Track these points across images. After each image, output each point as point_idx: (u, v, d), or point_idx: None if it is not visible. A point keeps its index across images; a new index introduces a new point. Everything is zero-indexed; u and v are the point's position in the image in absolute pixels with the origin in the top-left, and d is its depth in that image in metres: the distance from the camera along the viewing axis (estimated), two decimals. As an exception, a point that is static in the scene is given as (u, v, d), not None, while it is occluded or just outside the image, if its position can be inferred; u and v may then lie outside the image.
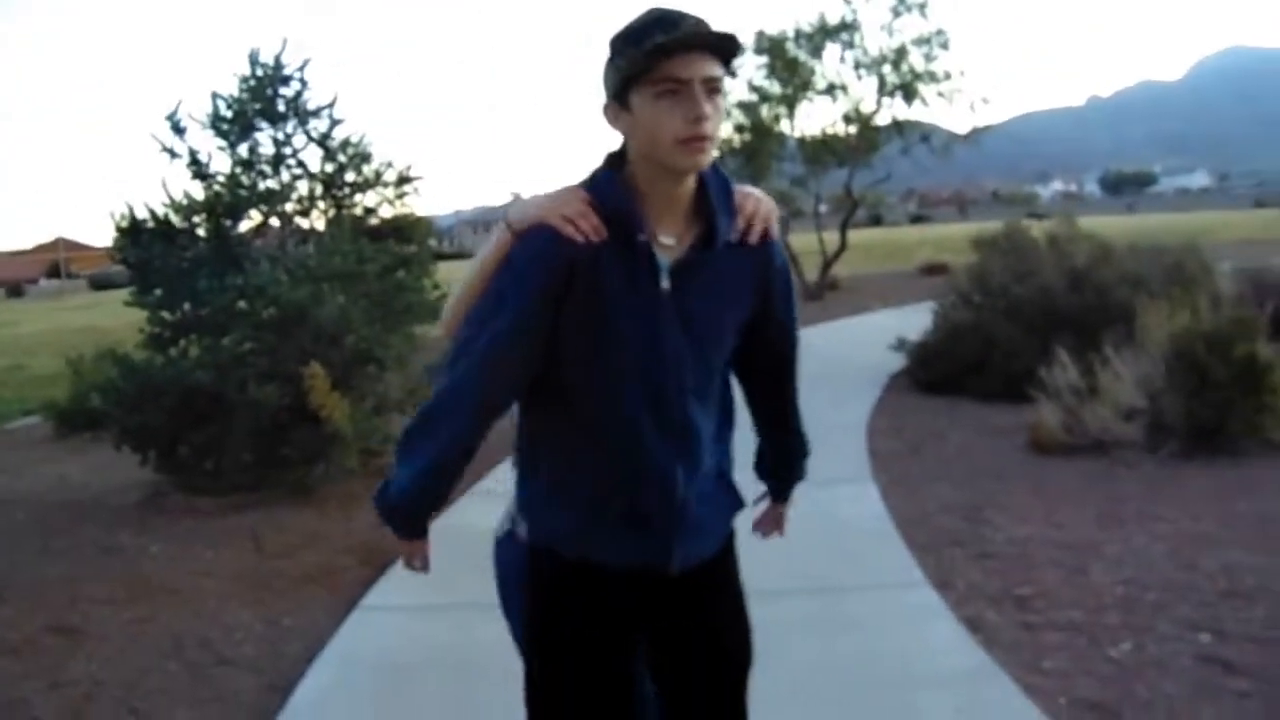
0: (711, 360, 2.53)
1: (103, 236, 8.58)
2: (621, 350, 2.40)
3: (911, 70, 24.28)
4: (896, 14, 24.27)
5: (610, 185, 2.40)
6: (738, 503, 2.70)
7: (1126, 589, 5.44)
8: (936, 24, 24.12)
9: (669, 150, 2.30)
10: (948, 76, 24.28)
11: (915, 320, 13.33)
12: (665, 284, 2.40)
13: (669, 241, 2.42)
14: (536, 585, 2.61)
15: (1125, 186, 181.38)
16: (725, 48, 2.33)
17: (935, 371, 11.73)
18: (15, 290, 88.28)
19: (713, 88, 2.30)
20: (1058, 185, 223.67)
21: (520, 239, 2.40)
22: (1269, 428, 8.03)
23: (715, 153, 2.40)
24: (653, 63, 2.26)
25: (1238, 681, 4.36)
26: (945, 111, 40.00)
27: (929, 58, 24.26)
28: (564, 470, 2.52)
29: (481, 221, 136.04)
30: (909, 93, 24.43)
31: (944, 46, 24.09)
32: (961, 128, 27.48)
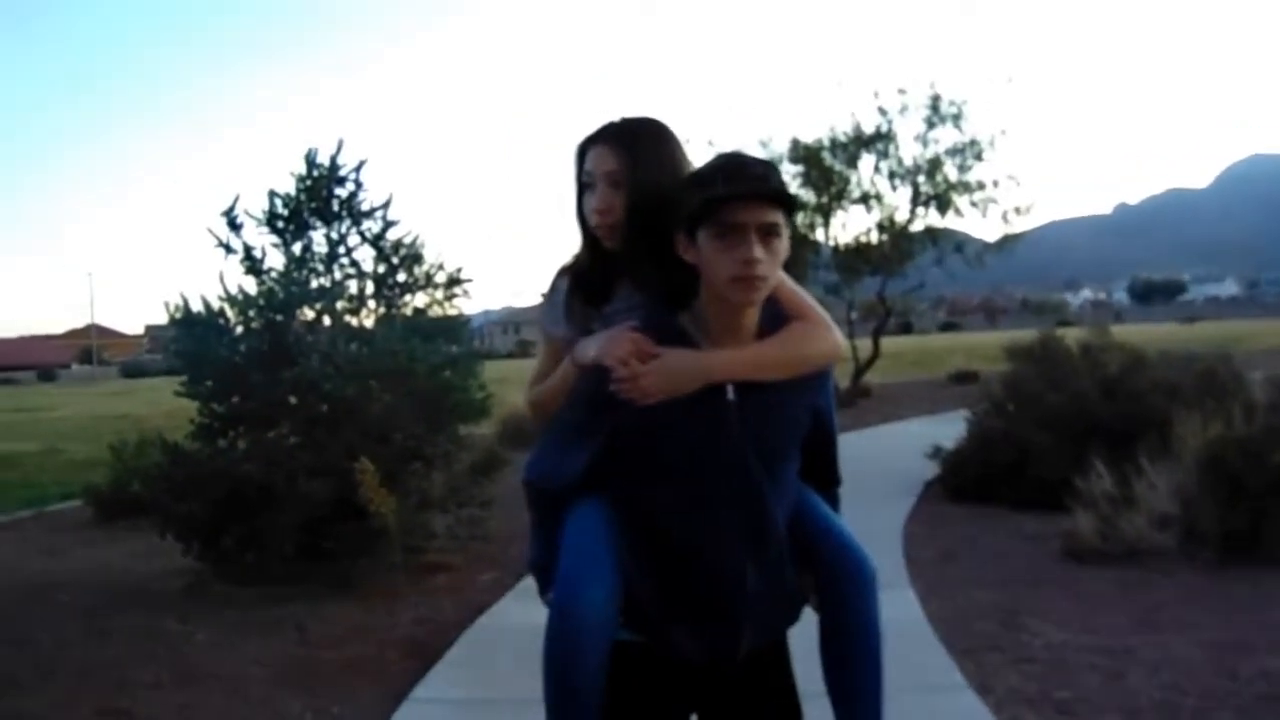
0: (778, 463, 2.73)
1: (134, 324, 8.75)
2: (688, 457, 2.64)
3: (946, 180, 24.57)
4: (931, 125, 24.59)
5: (664, 323, 2.68)
6: (801, 595, 2.87)
7: (1165, 694, 5.50)
8: (970, 135, 24.43)
9: (724, 286, 2.54)
10: (981, 186, 24.56)
11: (947, 428, 13.41)
12: (731, 395, 2.63)
13: None
14: None
15: (1155, 294, 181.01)
16: (784, 199, 2.57)
17: (969, 479, 11.77)
18: (47, 374, 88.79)
19: (769, 233, 2.53)
20: (1087, 293, 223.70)
21: (581, 373, 2.74)
22: (1306, 538, 8.07)
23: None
24: (713, 207, 2.51)
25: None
26: (978, 220, 40.40)
27: (963, 168, 24.55)
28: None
29: (511, 322, 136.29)
30: (943, 203, 24.70)
31: (978, 157, 24.39)
32: (992, 236, 27.70)
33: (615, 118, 2.88)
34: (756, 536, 2.68)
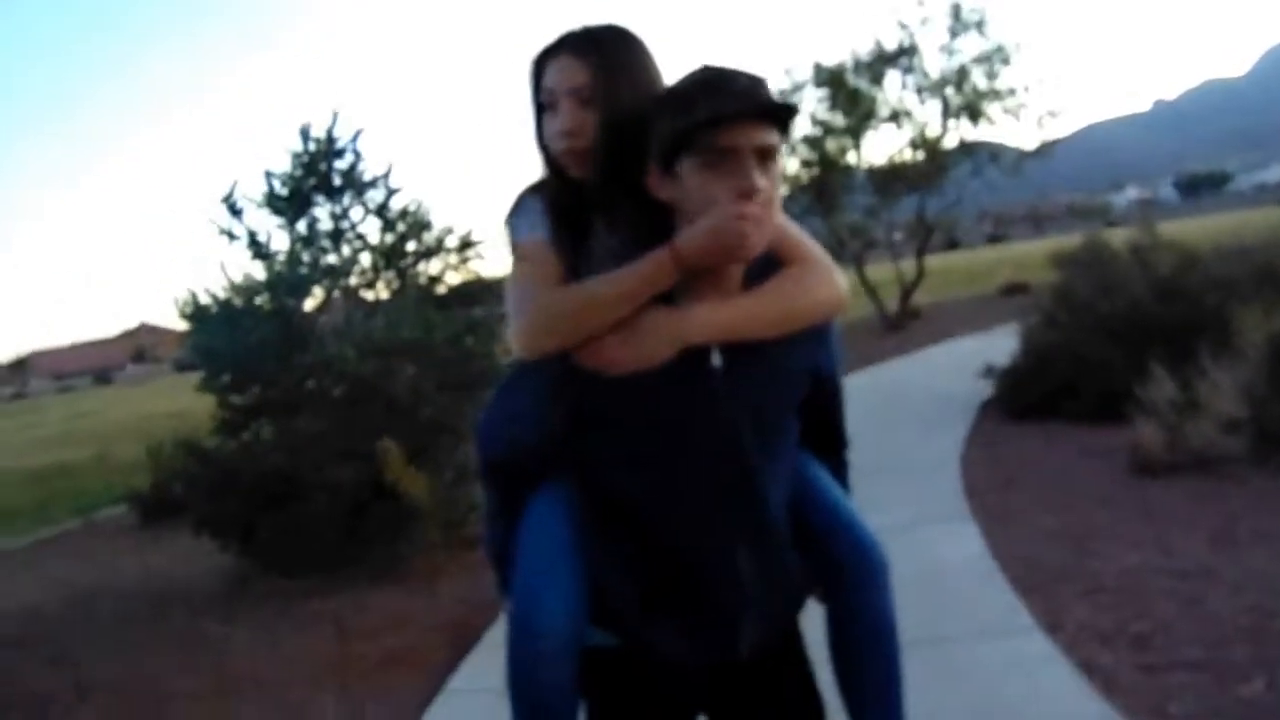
0: (773, 435, 2.32)
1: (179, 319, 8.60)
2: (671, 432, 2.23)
3: (975, 89, 24.00)
4: (954, 34, 24.02)
5: None
6: (807, 582, 2.50)
7: (1251, 618, 5.11)
8: (996, 41, 23.85)
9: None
10: (1012, 93, 23.98)
11: (1001, 344, 12.99)
12: (716, 361, 2.20)
13: None
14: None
15: (1201, 187, 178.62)
16: (781, 115, 2.15)
17: (1026, 396, 11.37)
18: (103, 377, 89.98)
19: (766, 156, 2.12)
20: (1132, 193, 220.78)
21: None
22: (1383, 430, 7.66)
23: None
24: (701, 129, 2.08)
25: (1385, 715, 4.06)
26: (1013, 129, 39.74)
27: (991, 75, 23.96)
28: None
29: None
30: (974, 113, 24.14)
31: (1005, 62, 23.80)
32: (1029, 144, 27.10)
33: (575, 26, 2.40)
34: (750, 525, 2.30)
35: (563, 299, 2.20)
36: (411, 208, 9.12)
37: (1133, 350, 9.98)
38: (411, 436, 8.21)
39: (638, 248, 2.18)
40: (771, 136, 2.11)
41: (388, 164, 9.19)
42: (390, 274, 9.10)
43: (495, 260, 9.20)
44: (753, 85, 2.12)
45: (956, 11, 23.86)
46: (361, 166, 9.03)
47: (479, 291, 9.40)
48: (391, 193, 9.06)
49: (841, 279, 2.38)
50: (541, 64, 2.38)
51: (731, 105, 2.07)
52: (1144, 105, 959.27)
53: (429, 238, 9.14)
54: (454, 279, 9.31)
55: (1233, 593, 5.46)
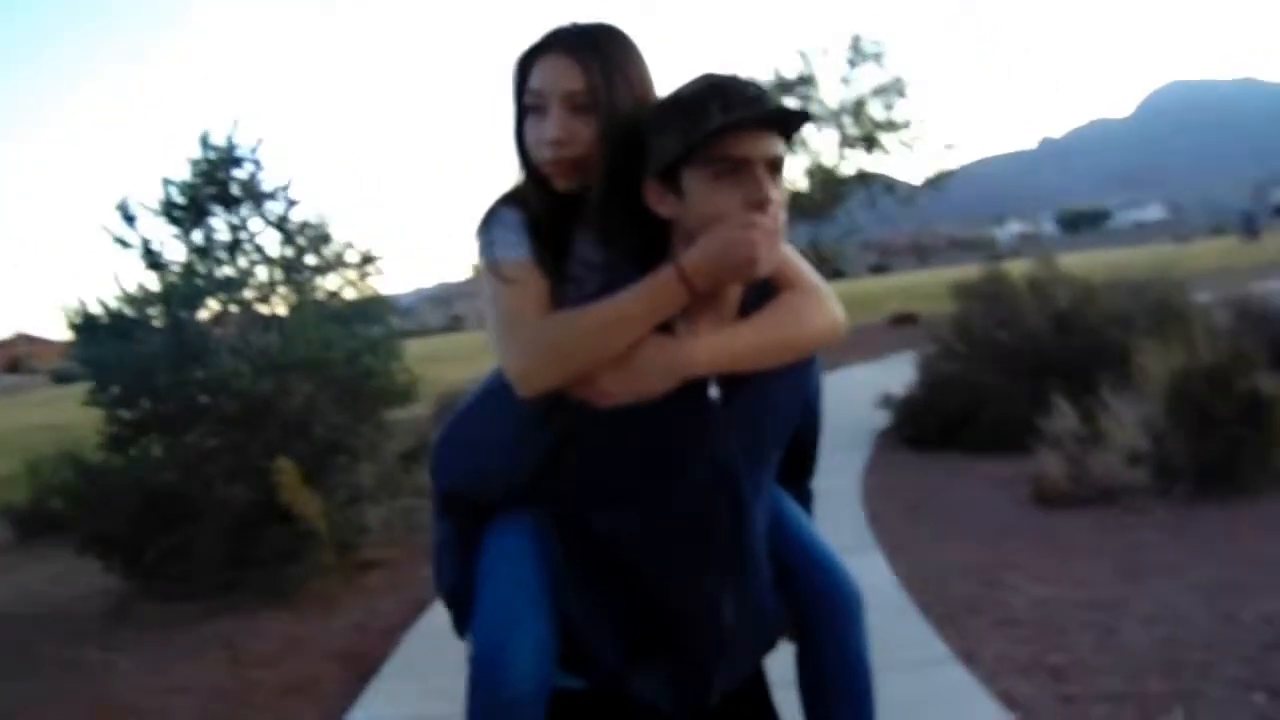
0: (763, 470, 2.25)
1: (63, 330, 8.34)
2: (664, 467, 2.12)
3: (871, 120, 24.34)
4: (853, 65, 24.36)
5: None
6: (781, 622, 2.41)
7: (1166, 649, 5.13)
8: (893, 73, 24.24)
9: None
10: (907, 125, 24.36)
11: (894, 373, 13.11)
12: (714, 393, 2.11)
13: None
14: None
15: (1082, 223, 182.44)
16: (791, 124, 2.06)
17: (924, 426, 11.49)
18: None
19: (775, 167, 2.03)
20: (1015, 227, 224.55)
21: None
22: (1278, 462, 7.82)
23: None
24: (710, 140, 1.97)
25: (1305, 748, 4.09)
26: (905, 160, 40.32)
27: (888, 107, 24.33)
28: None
29: (443, 298, 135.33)
30: (871, 143, 24.48)
31: (901, 94, 24.17)
32: (919, 176, 27.55)
33: (565, 23, 2.23)
34: (738, 564, 2.21)
35: (564, 329, 2.06)
36: (312, 220, 8.94)
37: (1031, 382, 10.13)
38: (306, 456, 8.01)
39: (633, 267, 2.07)
40: (780, 147, 2.03)
41: (288, 175, 9.02)
42: (288, 288, 8.89)
43: (395, 277, 9.10)
44: (761, 93, 2.02)
45: (856, 43, 24.22)
46: (261, 177, 8.83)
47: (377, 308, 9.25)
48: (291, 205, 8.87)
49: (838, 305, 2.30)
50: (528, 63, 2.22)
51: (747, 114, 1.98)
52: (1030, 142, 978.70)
53: (329, 252, 8.95)
54: (353, 295, 9.14)
55: (1146, 624, 5.49)
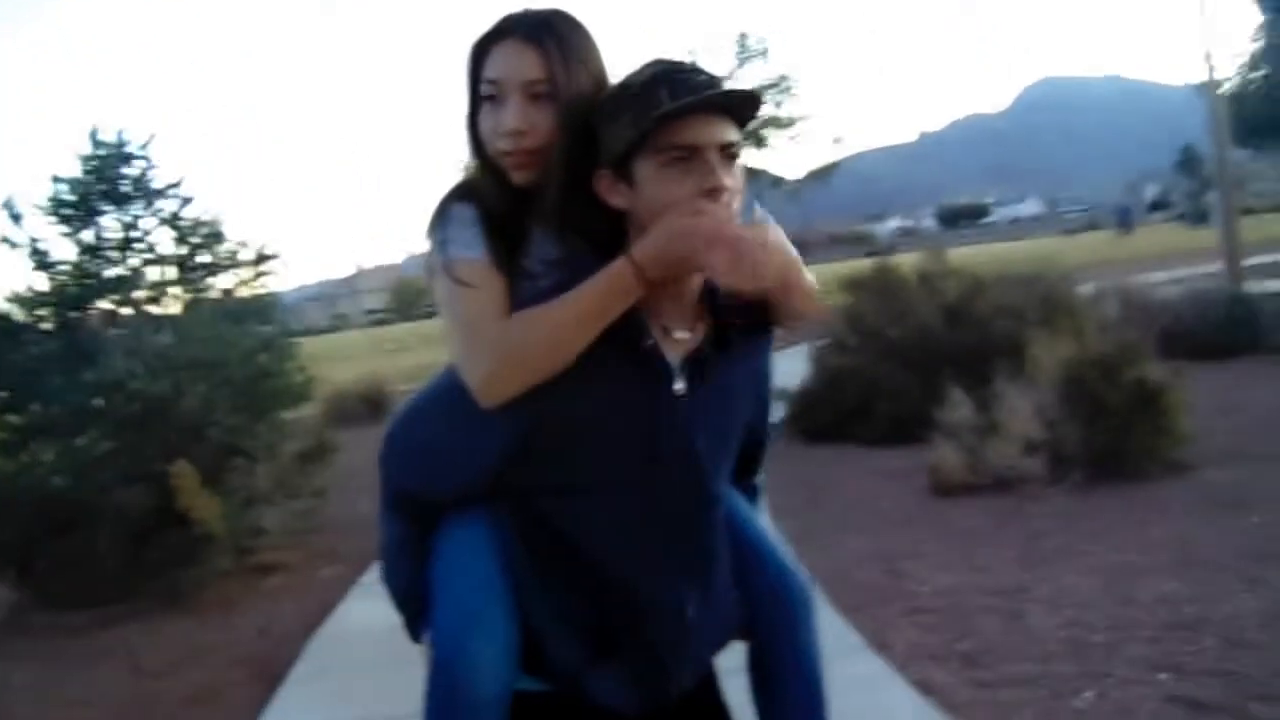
0: (724, 464, 2.28)
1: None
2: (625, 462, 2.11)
3: (759, 117, 24.55)
4: (740, 62, 24.53)
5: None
6: (736, 616, 2.40)
7: (1071, 632, 5.34)
8: (780, 70, 24.44)
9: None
10: (792, 122, 24.58)
11: (784, 366, 13.20)
12: (680, 386, 2.11)
13: (683, 335, 2.13)
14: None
15: (960, 219, 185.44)
16: (744, 108, 2.06)
17: (819, 419, 11.64)
18: None
19: (729, 154, 2.02)
20: (895, 222, 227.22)
21: None
22: (1167, 448, 8.10)
23: None
24: (659, 127, 1.97)
25: (1212, 720, 4.26)
26: (789, 156, 40.67)
27: (777, 104, 24.51)
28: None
29: (326, 297, 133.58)
30: (759, 139, 24.66)
31: (788, 91, 24.37)
32: (806, 170, 27.81)
33: (518, 9, 2.16)
34: (701, 560, 2.23)
35: (523, 335, 2.02)
36: (205, 218, 8.87)
37: (925, 374, 10.31)
38: (203, 458, 7.93)
39: (594, 261, 2.04)
40: (733, 133, 2.02)
41: (181, 172, 8.93)
42: (182, 287, 8.79)
43: (290, 274, 9.02)
44: (712, 79, 2.03)
45: (742, 40, 24.36)
46: (153, 174, 8.73)
47: (271, 307, 9.18)
48: (185, 202, 8.80)
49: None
50: (483, 50, 2.16)
51: (697, 98, 1.96)
52: (910, 136, 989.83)
53: (223, 250, 8.89)
54: (246, 294, 9.04)
55: (1050, 609, 5.69)
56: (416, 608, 2.24)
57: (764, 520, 2.55)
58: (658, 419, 2.10)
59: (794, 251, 2.27)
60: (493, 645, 2.10)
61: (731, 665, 2.48)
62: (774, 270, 2.05)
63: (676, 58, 2.09)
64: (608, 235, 2.08)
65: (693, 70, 2.04)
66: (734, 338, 2.16)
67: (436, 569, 2.18)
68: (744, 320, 2.18)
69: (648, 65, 2.05)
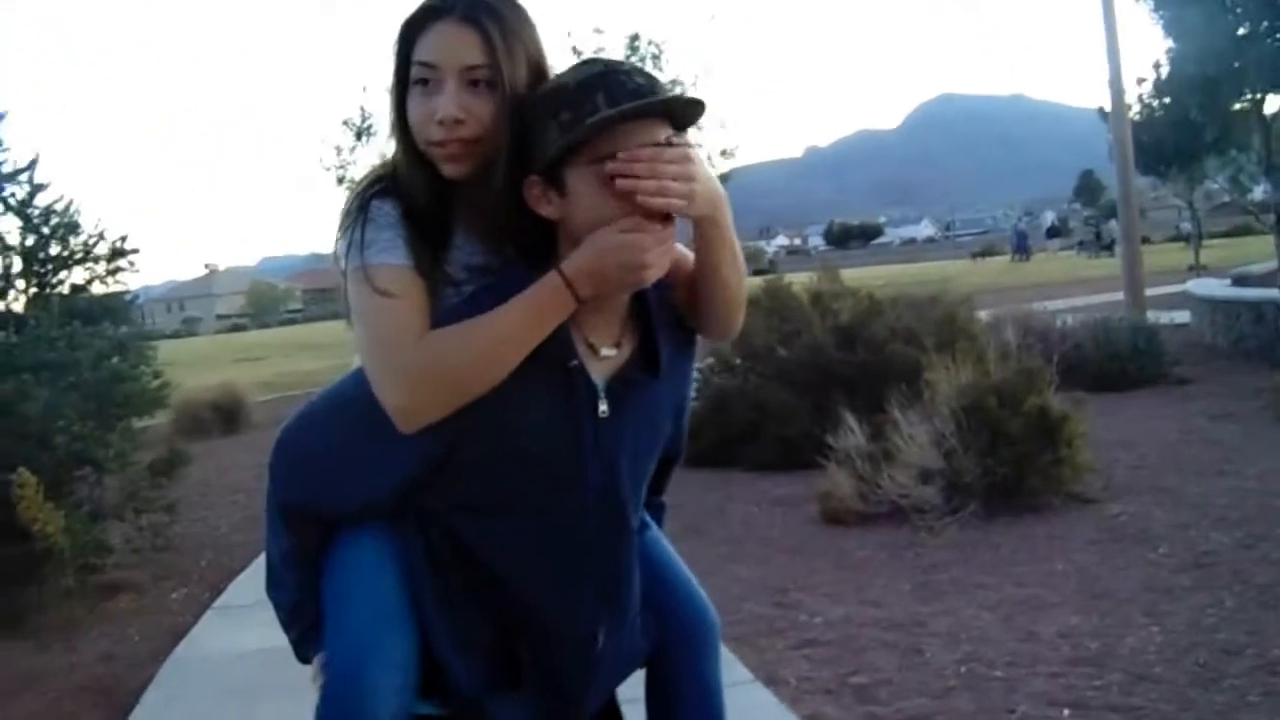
0: (642, 486, 2.24)
1: None
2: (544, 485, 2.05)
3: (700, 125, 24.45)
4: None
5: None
6: (643, 644, 2.37)
7: (970, 666, 5.30)
8: (672, 75, 24.32)
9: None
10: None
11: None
12: (604, 408, 2.05)
13: (609, 353, 2.06)
14: None
15: (851, 238, 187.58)
16: (686, 114, 1.99)
17: (703, 442, 11.50)
18: None
19: None
20: (782, 240, 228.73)
21: None
22: (1067, 480, 8.13)
23: None
24: (596, 134, 1.87)
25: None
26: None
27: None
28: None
29: (174, 299, 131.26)
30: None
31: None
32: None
33: (635, 70, 2.00)
34: (617, 587, 2.19)
35: (447, 357, 1.91)
36: (59, 207, 8.50)
37: (816, 397, 10.27)
38: (46, 467, 7.59)
39: (523, 271, 1.97)
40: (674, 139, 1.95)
41: (33, 155, 8.49)
42: (29, 281, 8.44)
43: (146, 272, 8.73)
44: (652, 82, 1.95)
45: (633, 42, 24.18)
46: (2, 157, 8.36)
47: (127, 306, 8.89)
48: (37, 189, 8.41)
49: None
50: (415, 29, 2.03)
51: (634, 104, 1.88)
52: (796, 151, 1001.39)
53: (76, 242, 8.55)
54: (100, 290, 8.73)
55: (948, 643, 5.65)
56: (305, 625, 2.17)
57: (670, 547, 2.56)
58: (581, 442, 2.04)
59: (721, 190, 2.13)
60: (390, 675, 2.02)
61: (628, 695, 2.46)
62: (703, 195, 1.99)
63: (615, 57, 2.02)
64: (535, 242, 2.00)
65: (632, 71, 1.95)
66: (661, 352, 2.10)
67: (330, 589, 2.11)
68: (670, 332, 2.15)
69: (584, 64, 1.98)
